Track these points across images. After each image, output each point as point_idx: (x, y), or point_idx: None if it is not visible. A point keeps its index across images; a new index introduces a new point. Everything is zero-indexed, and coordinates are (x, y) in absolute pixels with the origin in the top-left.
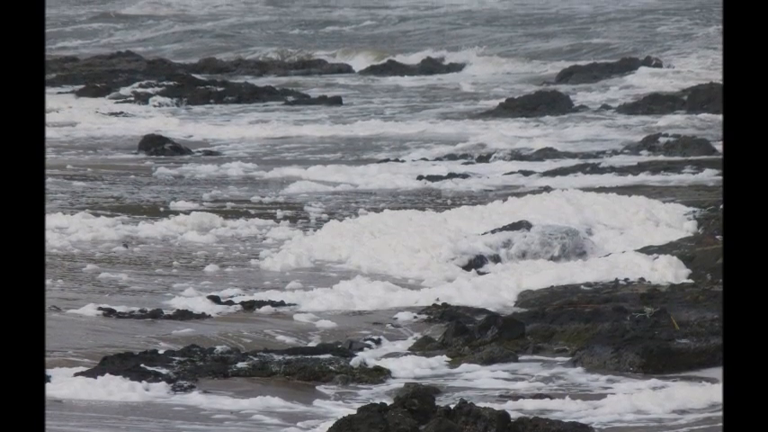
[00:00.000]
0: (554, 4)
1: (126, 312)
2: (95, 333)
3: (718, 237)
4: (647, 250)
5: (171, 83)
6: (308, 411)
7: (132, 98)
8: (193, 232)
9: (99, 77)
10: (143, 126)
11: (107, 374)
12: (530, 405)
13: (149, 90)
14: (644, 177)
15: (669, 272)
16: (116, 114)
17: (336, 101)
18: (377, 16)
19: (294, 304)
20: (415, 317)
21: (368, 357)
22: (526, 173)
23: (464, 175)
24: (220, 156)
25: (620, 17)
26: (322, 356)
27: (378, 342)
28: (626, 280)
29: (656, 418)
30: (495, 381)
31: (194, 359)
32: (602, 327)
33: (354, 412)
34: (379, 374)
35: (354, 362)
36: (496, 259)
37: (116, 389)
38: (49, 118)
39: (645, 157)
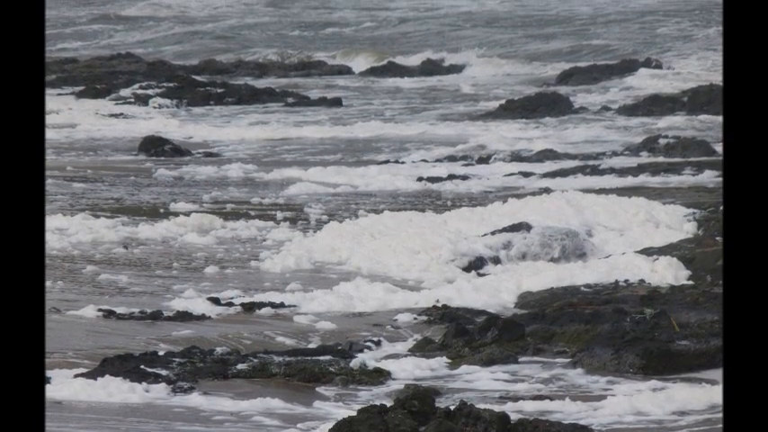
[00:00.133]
0: (554, 6)
1: (126, 314)
2: (95, 334)
3: (718, 238)
4: (647, 252)
5: (171, 84)
6: (308, 413)
7: (132, 100)
8: (193, 234)
9: (99, 79)
10: (143, 127)
11: (107, 376)
12: (530, 406)
13: (149, 91)
14: (644, 179)
15: (669, 273)
16: (116, 116)
17: (336, 102)
18: (377, 18)
19: (294, 306)
20: (415, 318)
21: (368, 359)
22: (526, 174)
23: (464, 177)
24: (220, 157)
25: (620, 18)
26: (322, 358)
27: (378, 343)
28: (626, 281)
29: (656, 419)
30: (495, 382)
31: (194, 360)
32: (602, 328)
33: (354, 414)
34: (379, 376)
35: (354, 363)
36: (496, 261)
37: (116, 390)
38: (48, 119)
39: (645, 158)
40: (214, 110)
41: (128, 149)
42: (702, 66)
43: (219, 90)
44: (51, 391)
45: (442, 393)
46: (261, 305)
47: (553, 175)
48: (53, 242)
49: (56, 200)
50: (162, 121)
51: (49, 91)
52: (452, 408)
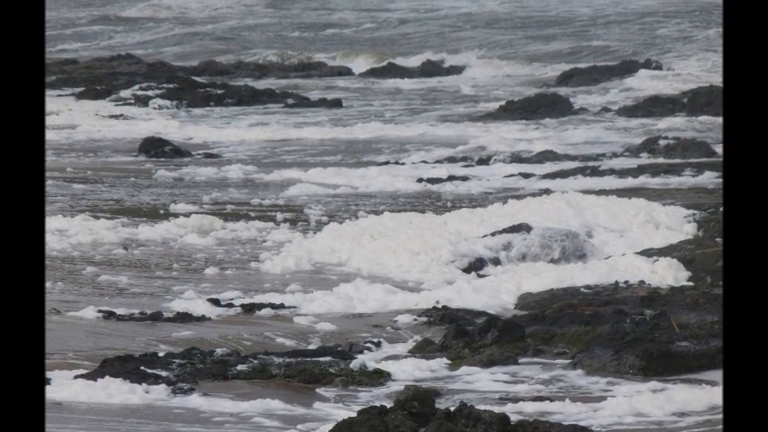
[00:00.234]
0: (554, 7)
1: (126, 315)
2: (95, 335)
3: (718, 239)
4: (647, 253)
5: (171, 85)
6: (308, 414)
7: (132, 101)
8: (193, 235)
9: (99, 80)
10: (143, 128)
11: (107, 377)
12: (530, 407)
13: (149, 93)
14: (644, 180)
15: (669, 274)
16: (116, 117)
17: (336, 103)
18: (377, 19)
19: (294, 307)
20: (415, 319)
21: (368, 360)
22: (526, 175)
23: (464, 178)
24: (220, 158)
25: (620, 20)
26: (322, 359)
27: (378, 345)
28: (626, 282)
29: (656, 420)
30: (495, 383)
31: (194, 362)
32: (602, 329)
33: (354, 415)
34: (379, 377)
35: (354, 364)
36: (496, 262)
37: (116, 391)
38: (48, 121)
39: (645, 159)
40: (214, 111)
41: (128, 151)
42: (702, 67)
43: (219, 91)
44: (51, 393)
45: (442, 394)
46: (261, 306)
47: (553, 176)
48: (53, 243)
49: (56, 201)
50: (162, 122)
51: (49, 92)
52: (452, 409)
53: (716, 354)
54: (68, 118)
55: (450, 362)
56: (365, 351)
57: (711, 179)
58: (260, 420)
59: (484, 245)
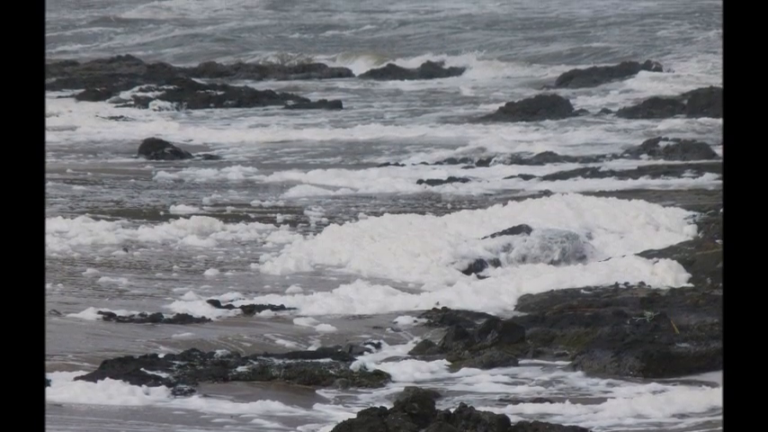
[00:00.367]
0: (554, 8)
1: (126, 316)
2: (95, 337)
3: (718, 241)
4: (647, 254)
5: (171, 87)
6: (308, 415)
7: (132, 102)
8: (193, 236)
9: (99, 81)
10: (143, 130)
11: (107, 378)
12: (530, 409)
13: (149, 94)
14: (644, 181)
15: (669, 276)
16: (116, 118)
17: (336, 105)
18: (377, 20)
19: (294, 308)
20: (415, 321)
21: (368, 361)
22: (526, 177)
23: (464, 179)
24: (220, 160)
25: (620, 21)
26: (322, 360)
27: (378, 346)
28: (626, 284)
29: (656, 422)
30: (495, 385)
31: (194, 363)
32: (602, 331)
33: (354, 416)
34: (379, 378)
35: (354, 366)
36: (496, 263)
37: (116, 393)
38: (48, 122)
39: (645, 161)
40: (214, 112)
41: (128, 152)
42: (702, 68)
43: (219, 92)
44: (51, 394)
45: (441, 396)
46: (261, 308)
47: (553, 177)
48: (53, 245)
49: (56, 202)
50: (162, 123)
51: (48, 93)
52: (452, 410)
53: (716, 355)
54: (68, 119)
55: (450, 363)
56: (365, 352)
57: (711, 181)
58: (260, 422)
59: (484, 246)
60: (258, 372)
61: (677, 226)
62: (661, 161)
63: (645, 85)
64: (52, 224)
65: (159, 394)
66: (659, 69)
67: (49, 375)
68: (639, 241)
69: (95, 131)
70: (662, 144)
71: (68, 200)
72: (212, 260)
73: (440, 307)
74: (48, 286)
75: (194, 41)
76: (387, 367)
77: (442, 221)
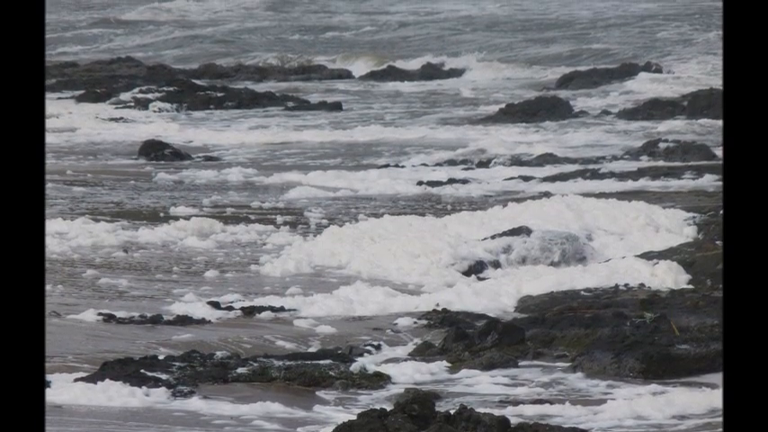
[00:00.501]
0: (554, 10)
1: (126, 318)
2: (95, 338)
3: (718, 242)
4: (647, 256)
5: (171, 88)
6: (308, 417)
7: (132, 104)
8: (193, 238)
9: (99, 83)
10: (143, 131)
11: (107, 380)
12: (530, 410)
13: (149, 95)
14: (644, 183)
15: (669, 277)
16: (116, 120)
17: (336, 106)
18: (377, 22)
19: (294, 310)
20: (415, 322)
21: (368, 363)
22: (526, 178)
23: (464, 181)
24: (220, 161)
25: (620, 23)
26: (322, 362)
27: (378, 347)
28: (626, 285)
29: (656, 423)
30: (495, 386)
31: (194, 365)
32: (602, 332)
33: (354, 418)
34: (379, 380)
35: (354, 367)
36: (496, 265)
37: (116, 394)
38: (49, 123)
39: (645, 162)
40: (214, 114)
41: (128, 153)
42: (702, 70)
43: (219, 94)
44: (51, 396)
45: (442, 397)
46: (261, 309)
47: (553, 179)
48: (53, 246)
49: (56, 204)
50: (162, 125)
51: (49, 95)
52: (452, 412)
53: (716, 357)
54: (68, 121)
55: (450, 365)
56: (365, 354)
57: (711, 182)
58: (260, 423)
59: (484, 248)
60: (258, 373)
61: (677, 227)
62: (661, 163)
63: (645, 86)
64: (52, 225)
65: (159, 396)
66: (659, 71)
67: (49, 377)
68: (639, 243)
69: (95, 133)
70: (662, 145)
71: (68, 201)
72: (212, 261)
73: (440, 308)
74: (48, 288)
75: (194, 43)
76: (387, 369)
77: (442, 223)
